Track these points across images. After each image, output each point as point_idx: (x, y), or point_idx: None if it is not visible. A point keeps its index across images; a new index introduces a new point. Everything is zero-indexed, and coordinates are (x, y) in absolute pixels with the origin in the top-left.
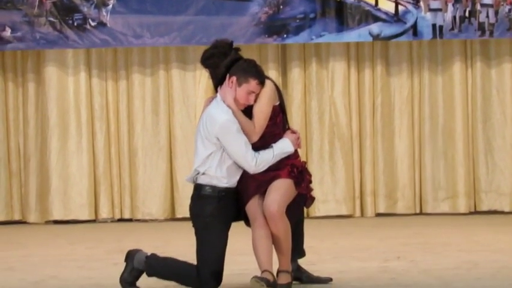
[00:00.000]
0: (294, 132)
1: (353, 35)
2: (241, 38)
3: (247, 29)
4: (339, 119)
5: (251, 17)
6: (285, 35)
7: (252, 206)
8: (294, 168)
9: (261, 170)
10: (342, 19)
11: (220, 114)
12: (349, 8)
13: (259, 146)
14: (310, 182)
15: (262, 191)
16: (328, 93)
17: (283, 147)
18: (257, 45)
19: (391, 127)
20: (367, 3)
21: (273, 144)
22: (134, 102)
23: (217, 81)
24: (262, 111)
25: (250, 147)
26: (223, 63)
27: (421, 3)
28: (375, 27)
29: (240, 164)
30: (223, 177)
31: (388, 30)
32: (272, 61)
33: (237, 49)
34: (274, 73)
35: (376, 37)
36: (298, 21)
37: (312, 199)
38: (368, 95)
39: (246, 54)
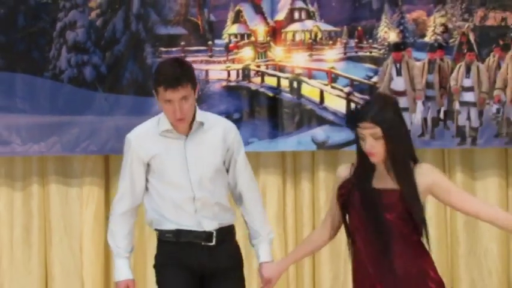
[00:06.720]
0: None
1: (291, 142)
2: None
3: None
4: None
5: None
6: None
7: None
8: None
9: None
10: (277, 121)
11: None
12: (286, 107)
13: None
14: None
15: None
16: None
17: None
18: None
19: None
20: (310, 101)
21: None
22: None
23: None
24: None
25: None
26: None
27: None
28: (320, 132)
29: None
30: None
31: (338, 136)
32: None
33: None
34: None
35: (321, 145)
36: None
37: None
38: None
39: None
